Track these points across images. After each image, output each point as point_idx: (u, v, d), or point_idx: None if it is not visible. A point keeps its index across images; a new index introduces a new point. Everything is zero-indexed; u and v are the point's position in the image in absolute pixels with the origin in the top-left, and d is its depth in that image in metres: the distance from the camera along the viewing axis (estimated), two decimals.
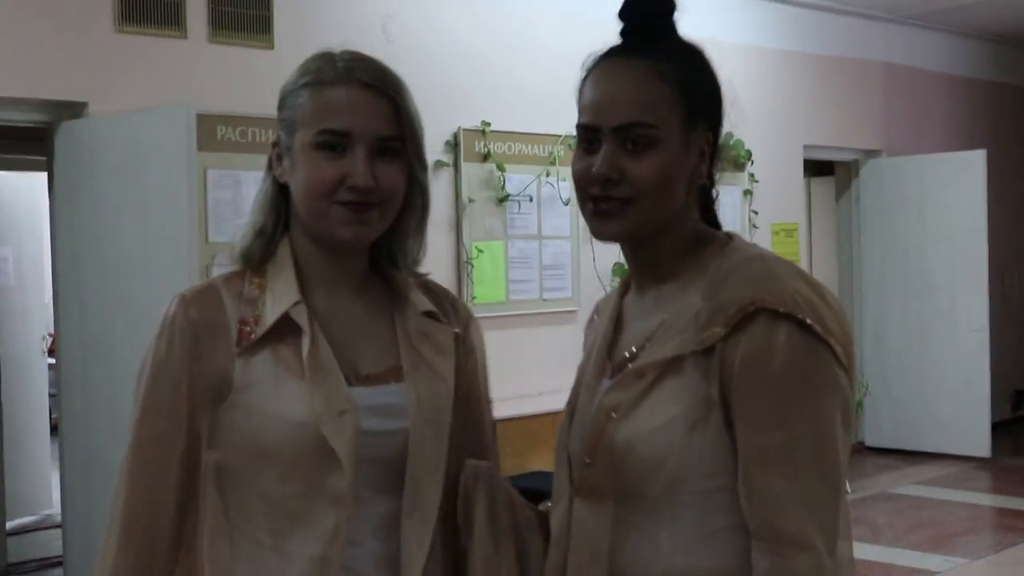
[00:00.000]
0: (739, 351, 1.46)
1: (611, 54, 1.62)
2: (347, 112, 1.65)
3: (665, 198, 1.58)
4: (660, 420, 1.51)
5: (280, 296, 1.67)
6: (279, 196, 1.73)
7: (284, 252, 1.71)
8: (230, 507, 1.66)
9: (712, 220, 1.71)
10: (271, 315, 1.65)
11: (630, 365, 1.58)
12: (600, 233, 1.61)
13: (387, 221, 1.71)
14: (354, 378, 1.68)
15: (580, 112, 1.62)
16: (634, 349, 1.60)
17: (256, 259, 1.71)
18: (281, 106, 1.73)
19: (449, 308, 1.84)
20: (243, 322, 1.66)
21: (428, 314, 1.78)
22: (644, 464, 1.51)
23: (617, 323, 1.69)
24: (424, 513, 1.68)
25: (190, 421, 1.65)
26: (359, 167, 1.64)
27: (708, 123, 1.63)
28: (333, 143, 1.64)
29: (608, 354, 1.67)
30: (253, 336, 1.65)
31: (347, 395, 1.64)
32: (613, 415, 1.54)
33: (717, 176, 1.69)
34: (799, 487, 1.44)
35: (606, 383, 1.62)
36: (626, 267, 1.73)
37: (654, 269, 1.64)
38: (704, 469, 1.49)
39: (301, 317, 1.66)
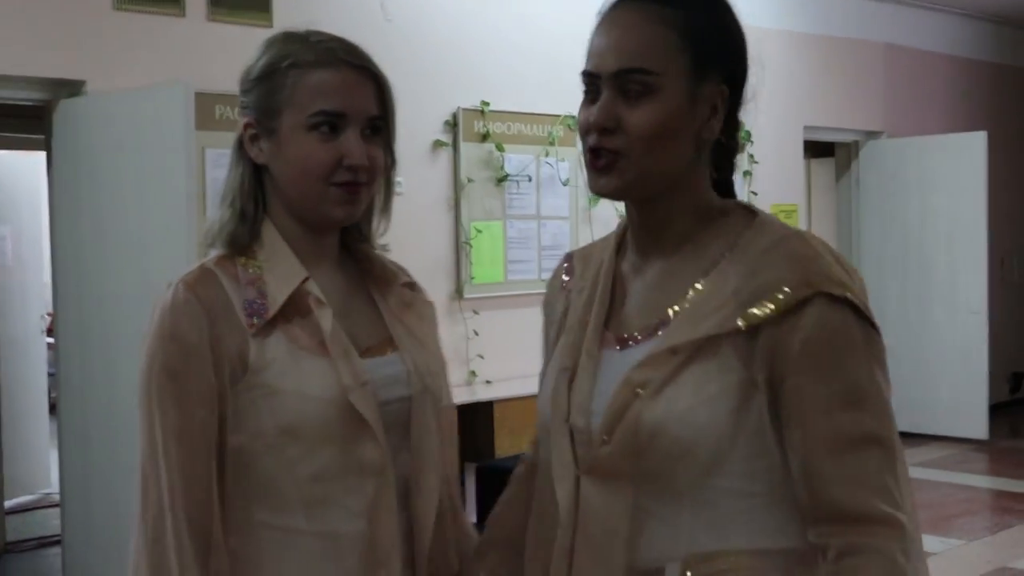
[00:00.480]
0: (797, 335, 1.40)
1: (621, 1, 1.54)
2: (340, 93, 1.66)
3: (662, 150, 1.49)
4: (695, 401, 1.43)
5: (284, 276, 1.67)
6: (255, 178, 1.73)
7: (270, 233, 1.71)
8: (249, 496, 1.64)
9: (726, 189, 1.63)
10: (279, 293, 1.66)
11: (659, 336, 1.49)
12: (595, 187, 1.54)
13: (371, 197, 1.74)
14: (358, 351, 1.70)
15: (586, 60, 1.55)
16: (652, 323, 1.52)
17: (243, 243, 1.70)
18: (250, 88, 1.72)
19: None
20: (249, 303, 1.65)
21: (406, 285, 1.84)
22: (674, 446, 1.43)
23: (614, 289, 1.61)
24: (428, 481, 1.73)
25: (221, 405, 1.62)
26: (354, 147, 1.65)
27: (723, 76, 1.53)
28: (327, 124, 1.65)
29: (607, 322, 1.59)
30: (267, 314, 1.64)
31: (363, 367, 1.67)
32: (640, 392, 1.45)
33: (742, 141, 1.62)
34: (875, 466, 1.41)
35: (614, 354, 1.54)
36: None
37: (662, 233, 1.56)
38: (740, 453, 1.44)
39: (315, 289, 1.68)
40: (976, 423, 8.74)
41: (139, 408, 1.65)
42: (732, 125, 1.58)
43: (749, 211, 1.58)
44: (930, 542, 6.27)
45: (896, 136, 9.30)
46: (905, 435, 8.07)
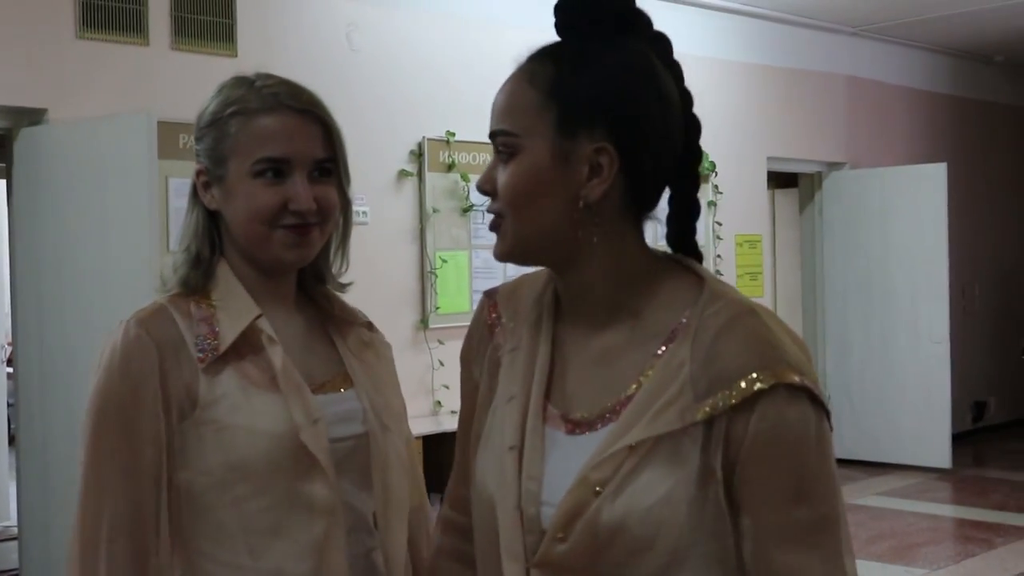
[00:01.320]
0: (750, 426, 1.34)
1: None
2: (283, 139, 1.66)
3: (528, 211, 1.42)
4: (655, 497, 1.35)
5: (237, 313, 1.67)
6: (210, 223, 1.74)
7: (225, 274, 1.72)
8: (195, 530, 1.64)
9: (689, 246, 1.53)
10: (230, 331, 1.65)
11: (613, 426, 1.41)
12: (495, 251, 1.50)
13: (325, 239, 1.74)
14: (311, 387, 1.69)
15: None
16: (602, 408, 1.43)
17: (196, 286, 1.71)
18: (201, 135, 1.73)
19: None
20: (201, 339, 1.65)
21: (364, 325, 1.84)
22: (635, 543, 1.36)
23: (553, 357, 1.51)
24: (398, 516, 1.74)
25: (168, 443, 1.62)
26: (300, 191, 1.65)
27: (603, 134, 1.40)
28: (272, 170, 1.65)
29: (548, 395, 1.49)
30: (219, 350, 1.64)
31: (316, 404, 1.66)
32: (598, 490, 1.37)
33: (705, 172, 1.57)
34: (825, 562, 1.37)
35: (561, 437, 1.45)
36: None
37: (584, 301, 1.48)
38: (701, 543, 1.36)
39: (267, 327, 1.67)
40: (939, 452, 8.78)
41: (83, 442, 1.65)
42: (646, 187, 1.46)
43: (694, 275, 1.47)
44: (894, 571, 6.29)
45: (858, 167, 9.38)
46: (868, 464, 8.11)
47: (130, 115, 4.75)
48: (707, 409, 1.34)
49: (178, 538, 1.63)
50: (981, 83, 10.85)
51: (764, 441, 1.34)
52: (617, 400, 1.42)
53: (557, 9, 1.47)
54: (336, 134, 1.72)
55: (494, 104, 1.47)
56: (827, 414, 1.38)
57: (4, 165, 5.29)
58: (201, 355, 1.64)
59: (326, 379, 1.74)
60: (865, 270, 9.13)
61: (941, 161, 8.98)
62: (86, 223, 4.77)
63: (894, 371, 8.96)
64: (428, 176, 6.55)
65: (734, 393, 1.34)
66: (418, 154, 6.53)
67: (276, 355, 1.65)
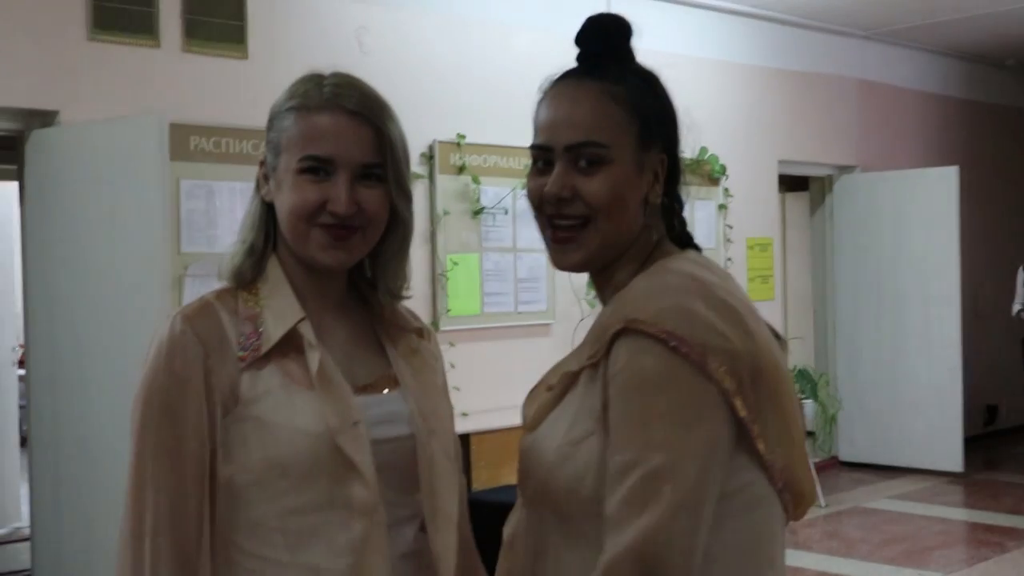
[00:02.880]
0: (609, 368, 1.46)
1: (565, 77, 1.64)
2: (331, 139, 1.67)
3: (619, 216, 1.58)
4: (555, 432, 1.53)
5: (281, 313, 1.69)
6: (267, 215, 1.75)
7: (275, 270, 1.73)
8: (233, 526, 1.65)
9: (685, 239, 1.69)
10: (275, 330, 1.67)
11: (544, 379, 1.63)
12: (559, 261, 1.63)
13: (369, 245, 1.73)
14: (354, 388, 1.70)
15: (534, 133, 1.64)
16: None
17: (247, 278, 1.73)
18: (269, 127, 1.74)
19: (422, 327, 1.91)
20: (244, 337, 1.66)
21: (415, 332, 1.85)
22: (541, 475, 1.54)
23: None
24: (446, 520, 1.75)
25: (211, 438, 1.64)
26: (339, 193, 1.66)
27: (662, 146, 1.63)
28: (316, 168, 1.66)
29: None
30: (261, 350, 1.65)
31: (356, 406, 1.67)
32: (527, 424, 1.60)
33: (685, 197, 1.70)
34: (641, 511, 1.38)
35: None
36: None
37: (609, 288, 1.64)
38: (590, 485, 1.46)
39: (309, 332, 1.68)
40: (951, 456, 8.76)
41: (132, 438, 1.66)
42: (673, 187, 1.67)
43: (680, 254, 1.63)
44: (907, 574, 6.27)
45: (869, 170, 9.36)
46: (879, 468, 8.10)
47: (141, 117, 4.76)
48: (589, 355, 1.50)
49: (217, 533, 1.65)
50: (993, 87, 10.83)
51: (616, 384, 1.45)
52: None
53: (584, 37, 1.64)
54: (388, 140, 1.71)
55: (560, 115, 1.60)
56: (696, 364, 1.40)
57: (16, 167, 5.31)
58: (244, 353, 1.65)
59: (370, 381, 1.75)
60: (876, 274, 9.11)
61: (952, 164, 8.96)
62: (97, 225, 4.78)
63: (905, 375, 8.94)
64: (439, 179, 6.54)
65: (601, 341, 1.49)
66: (428, 156, 6.53)
67: (313, 360, 1.66)
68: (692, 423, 1.41)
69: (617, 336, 1.46)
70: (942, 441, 8.76)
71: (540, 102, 1.65)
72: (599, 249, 1.60)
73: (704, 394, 1.42)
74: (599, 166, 1.56)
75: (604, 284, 1.65)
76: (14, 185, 5.62)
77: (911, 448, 8.89)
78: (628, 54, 1.65)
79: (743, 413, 1.44)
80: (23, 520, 6.92)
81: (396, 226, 1.77)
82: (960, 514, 7.83)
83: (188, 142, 5.48)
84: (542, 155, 1.61)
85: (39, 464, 5.16)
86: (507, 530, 1.65)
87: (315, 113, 1.68)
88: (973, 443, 9.49)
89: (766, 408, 1.47)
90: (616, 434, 1.43)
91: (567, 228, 1.59)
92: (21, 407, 7.33)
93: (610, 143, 1.57)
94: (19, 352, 7.55)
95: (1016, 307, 9.49)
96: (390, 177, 1.71)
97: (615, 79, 1.60)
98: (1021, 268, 9.54)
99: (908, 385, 8.92)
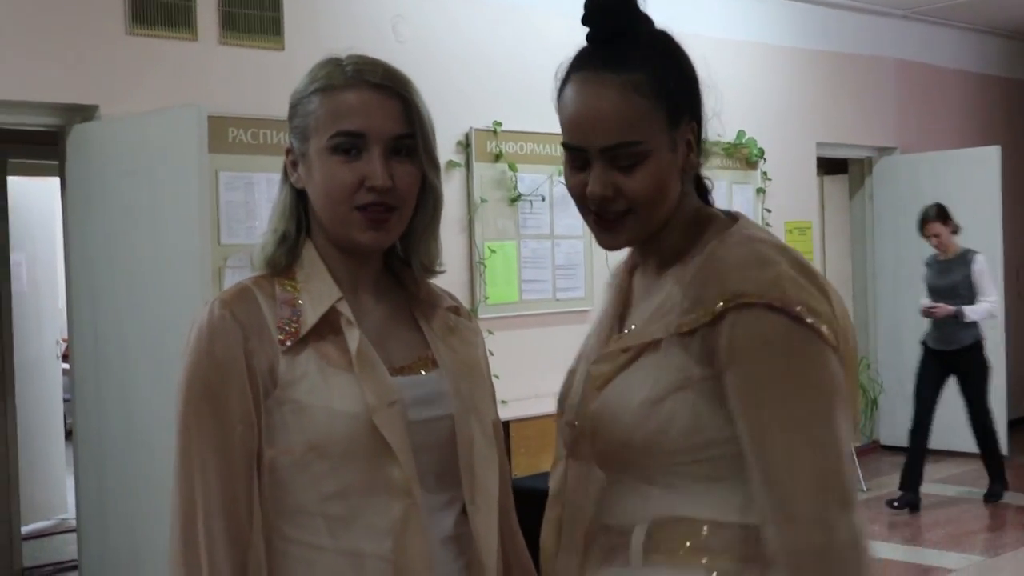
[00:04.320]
0: (723, 340, 1.51)
1: (583, 66, 1.63)
2: (360, 113, 1.66)
3: (662, 202, 1.62)
4: (631, 393, 1.57)
5: (319, 296, 1.69)
6: (298, 202, 1.75)
7: (310, 255, 1.73)
8: (275, 509, 1.66)
9: (703, 197, 1.74)
10: (313, 313, 1.67)
11: (619, 341, 1.65)
12: (607, 244, 1.66)
13: (405, 222, 1.73)
14: (391, 369, 1.70)
15: (564, 129, 1.64)
16: (633, 327, 1.66)
17: (282, 265, 1.73)
18: (292, 114, 1.75)
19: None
20: (283, 321, 1.67)
21: (451, 309, 1.84)
22: (617, 432, 1.58)
23: (626, 299, 1.75)
24: (486, 502, 1.74)
25: (256, 419, 1.64)
26: (376, 168, 1.65)
27: (690, 115, 1.64)
28: (348, 145, 1.66)
29: (617, 328, 1.72)
30: (299, 333, 1.66)
31: (393, 386, 1.67)
32: (596, 384, 1.62)
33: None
34: (798, 466, 1.48)
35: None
36: None
37: (658, 253, 1.68)
38: (677, 441, 1.55)
39: (347, 310, 1.68)
40: None
41: (177, 425, 1.66)
42: (698, 146, 1.68)
43: (733, 219, 1.68)
44: (951, 558, 6.23)
45: (909, 152, 9.28)
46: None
47: (180, 109, 4.78)
48: (682, 325, 1.54)
49: (263, 517, 1.65)
50: None
51: (733, 353, 1.50)
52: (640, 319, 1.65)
53: (591, 20, 1.65)
54: (416, 110, 1.71)
55: (590, 116, 1.59)
56: (814, 330, 1.49)
57: (57, 162, 5.36)
58: (282, 336, 1.66)
59: (407, 362, 1.74)
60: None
61: (994, 144, 8.86)
62: (138, 218, 4.82)
63: None
64: (475, 166, 6.55)
65: (707, 310, 1.52)
66: (465, 145, 6.54)
67: (352, 338, 1.66)
68: (823, 384, 1.50)
69: (726, 311, 1.50)
70: None
71: (561, 92, 1.65)
72: (644, 232, 1.63)
73: (824, 355, 1.51)
74: (638, 163, 1.58)
75: (652, 251, 1.69)
76: (55, 181, 5.67)
77: (953, 432, 8.79)
78: (636, 22, 1.64)
79: (839, 375, 1.54)
80: (69, 512, 7.01)
81: (427, 197, 1.76)
82: (1005, 497, 7.77)
83: (226, 134, 5.51)
84: (577, 154, 1.62)
85: (84, 456, 5.22)
86: (553, 483, 1.72)
87: (341, 91, 1.68)
88: (1017, 426, 9.40)
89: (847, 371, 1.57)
90: (747, 402, 1.50)
91: (611, 218, 1.62)
92: (65, 400, 7.42)
93: (644, 138, 1.57)
94: (63, 346, 7.64)
95: None
96: (420, 147, 1.71)
97: (633, 67, 1.58)
98: None
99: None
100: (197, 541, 1.61)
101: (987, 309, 7.29)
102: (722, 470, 1.55)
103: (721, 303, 1.51)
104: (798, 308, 1.49)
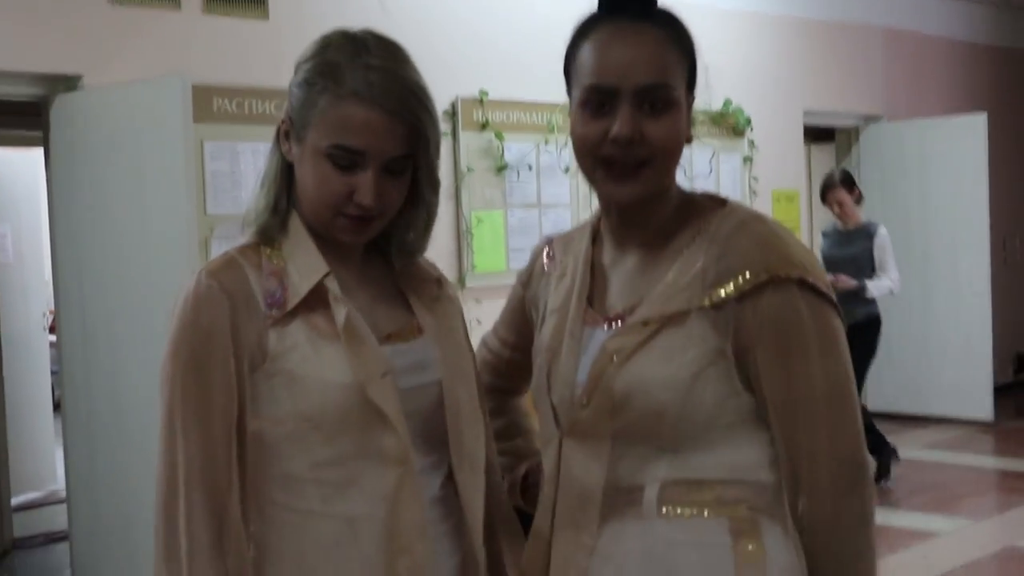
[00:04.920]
0: (755, 316, 1.57)
1: (614, 18, 1.64)
2: (364, 133, 1.64)
3: (676, 157, 1.66)
4: (661, 366, 1.60)
5: (306, 268, 1.69)
6: (288, 172, 1.74)
7: (297, 226, 1.73)
8: (267, 479, 1.67)
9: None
10: (302, 285, 1.67)
11: (634, 315, 1.65)
12: (618, 195, 1.66)
13: (386, 222, 1.74)
14: (379, 338, 1.71)
15: (592, 72, 1.63)
16: (633, 303, 1.67)
17: (272, 235, 1.73)
18: (294, 88, 1.71)
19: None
20: (270, 293, 1.67)
21: (434, 280, 1.86)
22: (644, 405, 1.60)
23: (595, 277, 1.76)
24: (472, 464, 1.77)
25: (240, 392, 1.64)
26: (368, 188, 1.65)
27: (693, 84, 1.70)
28: (346, 161, 1.65)
29: (590, 304, 1.74)
30: (287, 306, 1.66)
31: (384, 357, 1.68)
32: (615, 359, 1.62)
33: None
34: (830, 436, 1.59)
35: (601, 332, 1.69)
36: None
37: (643, 228, 1.71)
38: (707, 411, 1.60)
39: (334, 286, 1.69)
40: (981, 404, 8.74)
41: (161, 394, 1.66)
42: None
43: (718, 200, 1.72)
44: (938, 522, 6.29)
45: (896, 119, 9.28)
46: (909, 417, 8.07)
47: (164, 79, 4.76)
48: (713, 297, 1.58)
49: (251, 488, 1.66)
50: (1020, 32, 10.69)
51: (765, 329, 1.57)
52: (645, 295, 1.66)
53: None
54: (422, 134, 1.69)
55: (628, 57, 1.61)
56: (834, 306, 1.61)
57: (41, 133, 5.33)
58: (270, 308, 1.66)
59: (394, 329, 1.75)
60: (904, 223, 9.04)
61: (980, 112, 8.87)
62: (122, 188, 4.80)
63: (934, 324, 8.92)
64: (462, 135, 6.54)
65: (739, 284, 1.57)
66: (451, 114, 6.52)
67: (340, 313, 1.67)
68: (844, 356, 1.61)
69: (758, 285, 1.56)
70: (972, 389, 8.74)
71: (582, 44, 1.66)
72: (654, 186, 1.65)
73: (842, 328, 1.62)
74: (666, 109, 1.62)
75: (637, 224, 1.71)
76: (39, 151, 5.64)
77: (940, 397, 8.87)
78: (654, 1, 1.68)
79: None
80: (59, 483, 7.01)
81: (418, 213, 1.77)
82: (990, 462, 7.83)
83: (211, 104, 5.49)
84: (603, 97, 1.62)
85: (72, 428, 5.22)
86: (548, 464, 1.74)
87: (351, 102, 1.64)
88: (1003, 392, 9.46)
89: None
90: (778, 377, 1.58)
91: (627, 169, 1.63)
92: (53, 373, 7.41)
93: (676, 86, 1.63)
94: (50, 318, 7.63)
95: None
96: (421, 167, 1.72)
97: (665, 23, 1.65)
98: None
99: (937, 334, 8.90)
100: (177, 510, 1.62)
101: (888, 287, 6.94)
102: (736, 434, 1.62)
103: (753, 278, 1.57)
104: (824, 285, 1.59)
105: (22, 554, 6.45)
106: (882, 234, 6.97)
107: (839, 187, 6.98)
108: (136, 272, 4.70)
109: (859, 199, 7.07)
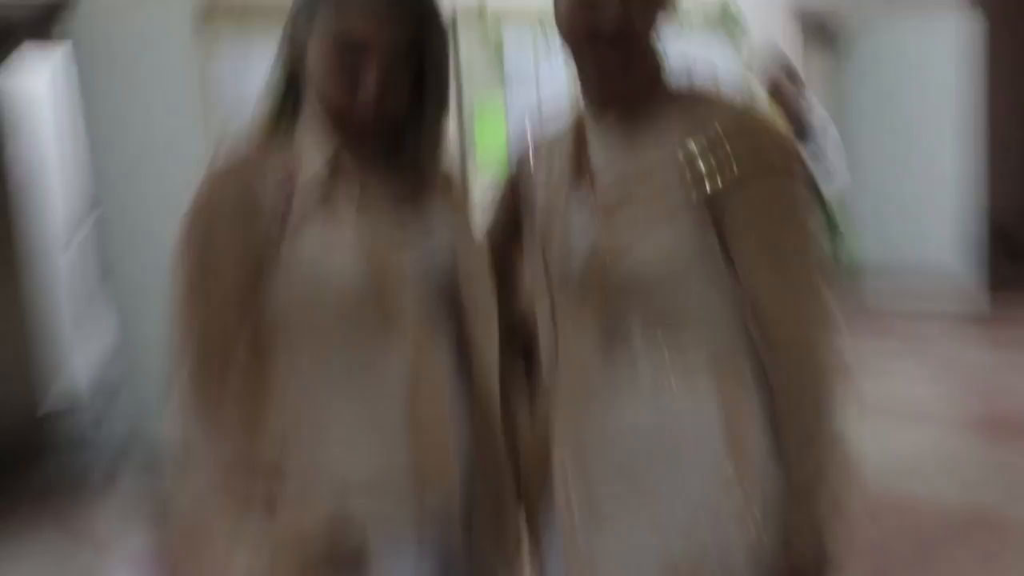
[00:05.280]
0: (745, 203, 1.62)
1: None
2: (370, 21, 1.66)
3: (655, 44, 1.70)
4: (650, 236, 1.65)
5: (316, 156, 1.71)
6: (296, 63, 1.75)
7: (306, 119, 1.74)
8: (284, 362, 1.70)
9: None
10: (309, 171, 1.69)
11: (620, 198, 1.69)
12: (602, 90, 1.72)
13: (390, 115, 1.73)
14: (391, 223, 1.74)
15: None
16: (620, 185, 1.70)
17: (284, 128, 1.75)
18: None
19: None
20: (282, 183, 1.68)
21: (444, 174, 1.87)
22: (633, 272, 1.65)
23: (581, 154, 1.78)
24: (487, 334, 1.81)
25: (251, 271, 1.66)
26: (368, 83, 1.67)
27: None
28: (348, 52, 1.66)
29: (577, 183, 1.77)
30: (296, 192, 1.67)
31: (397, 238, 1.71)
32: (609, 241, 1.67)
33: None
34: (811, 302, 1.66)
35: (592, 214, 1.72)
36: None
37: (622, 100, 1.72)
38: (693, 281, 1.66)
39: (346, 160, 1.71)
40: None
41: (173, 275, 1.70)
42: None
43: (704, 92, 1.73)
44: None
45: (890, 14, 9.20)
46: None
47: None
48: (704, 184, 1.62)
49: (267, 377, 1.70)
50: None
51: (756, 214, 1.63)
52: (637, 181, 1.69)
53: None
54: (428, 19, 1.71)
55: None
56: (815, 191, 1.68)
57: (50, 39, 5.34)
58: (283, 195, 1.67)
59: (407, 213, 1.76)
60: (901, 125, 9.12)
61: (975, 8, 8.84)
62: (144, 88, 4.92)
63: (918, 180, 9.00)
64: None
65: (726, 173, 1.62)
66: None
67: (353, 191, 1.69)
68: (818, 234, 1.68)
69: (750, 176, 1.61)
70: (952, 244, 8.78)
71: None
72: (639, 78, 1.70)
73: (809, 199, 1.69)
74: None
75: (615, 95, 1.72)
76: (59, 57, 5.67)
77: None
78: None
79: None
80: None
81: (428, 108, 1.78)
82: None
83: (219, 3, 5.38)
84: None
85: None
86: (544, 344, 1.80)
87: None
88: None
89: None
90: (764, 262, 1.64)
91: (613, 60, 1.66)
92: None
93: None
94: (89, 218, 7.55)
95: None
96: (428, 65, 1.73)
97: None
98: None
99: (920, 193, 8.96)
100: (174, 385, 1.69)
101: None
102: (705, 338, 1.68)
103: (743, 169, 1.61)
104: (809, 175, 1.65)
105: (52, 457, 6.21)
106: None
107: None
108: (159, 171, 4.82)
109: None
